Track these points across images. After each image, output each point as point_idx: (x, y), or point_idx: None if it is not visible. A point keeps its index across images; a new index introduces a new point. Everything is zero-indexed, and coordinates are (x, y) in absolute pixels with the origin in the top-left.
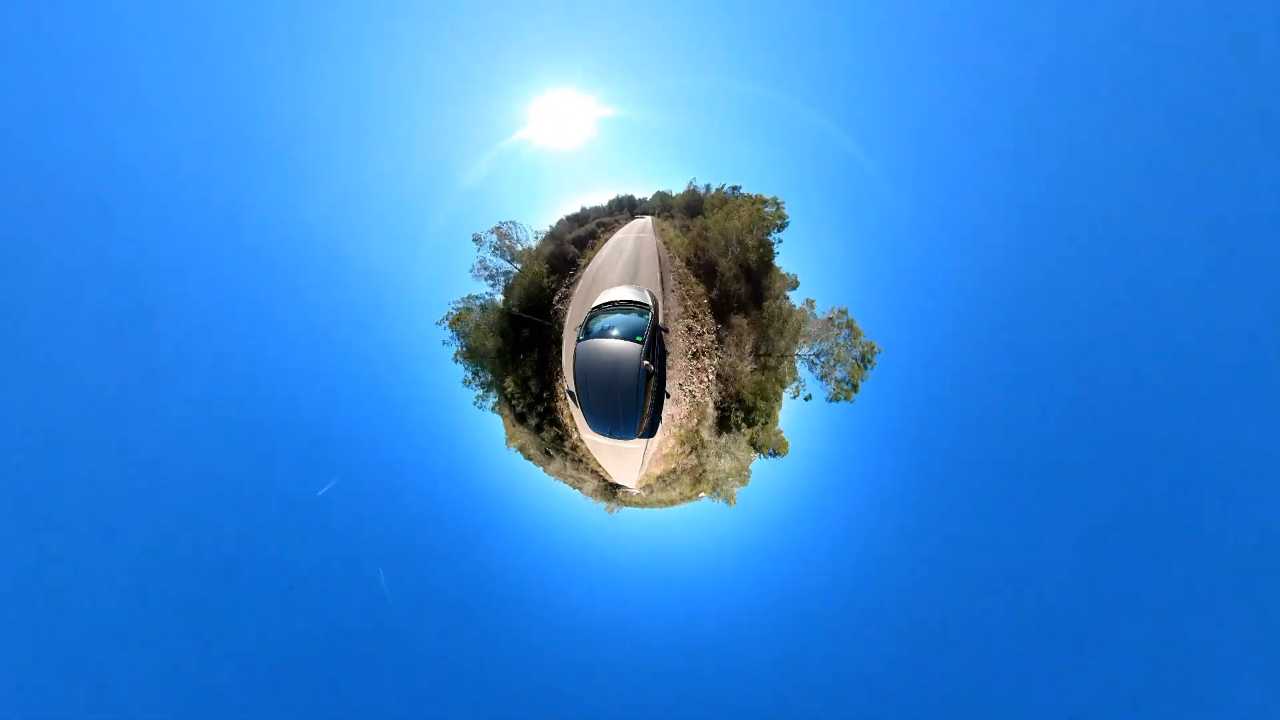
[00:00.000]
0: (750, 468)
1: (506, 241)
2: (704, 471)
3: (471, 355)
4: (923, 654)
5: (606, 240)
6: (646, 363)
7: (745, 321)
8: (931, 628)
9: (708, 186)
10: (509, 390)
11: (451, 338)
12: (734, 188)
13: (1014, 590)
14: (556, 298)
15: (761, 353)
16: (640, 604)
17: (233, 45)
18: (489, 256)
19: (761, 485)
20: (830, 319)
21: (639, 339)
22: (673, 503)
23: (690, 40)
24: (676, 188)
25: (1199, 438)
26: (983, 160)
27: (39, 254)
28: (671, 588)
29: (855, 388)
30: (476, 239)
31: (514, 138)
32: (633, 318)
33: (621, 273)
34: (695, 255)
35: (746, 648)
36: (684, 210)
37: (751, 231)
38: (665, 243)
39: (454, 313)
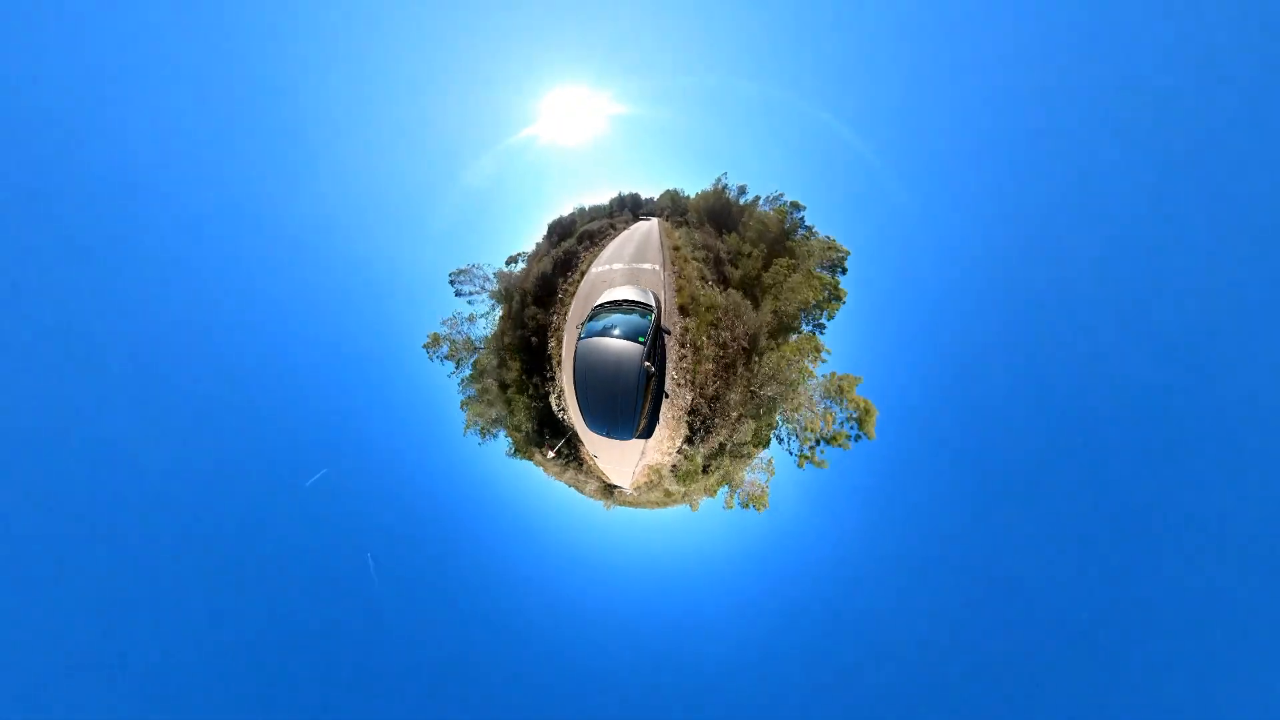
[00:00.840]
0: (717, 486)
1: (476, 290)
2: (668, 491)
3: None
4: (914, 657)
5: (585, 273)
6: (647, 364)
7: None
8: (921, 631)
9: (741, 190)
10: (550, 457)
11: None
12: (794, 204)
13: (1002, 594)
14: (553, 395)
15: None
16: (619, 597)
17: (246, 37)
18: (456, 342)
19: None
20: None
21: (641, 339)
22: (660, 504)
23: (704, 39)
24: (689, 188)
25: (1208, 440)
26: (987, 160)
27: (52, 247)
28: (659, 584)
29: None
30: (427, 347)
31: (523, 133)
32: (635, 318)
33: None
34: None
35: (723, 643)
36: (707, 216)
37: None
38: (682, 306)
39: (468, 402)
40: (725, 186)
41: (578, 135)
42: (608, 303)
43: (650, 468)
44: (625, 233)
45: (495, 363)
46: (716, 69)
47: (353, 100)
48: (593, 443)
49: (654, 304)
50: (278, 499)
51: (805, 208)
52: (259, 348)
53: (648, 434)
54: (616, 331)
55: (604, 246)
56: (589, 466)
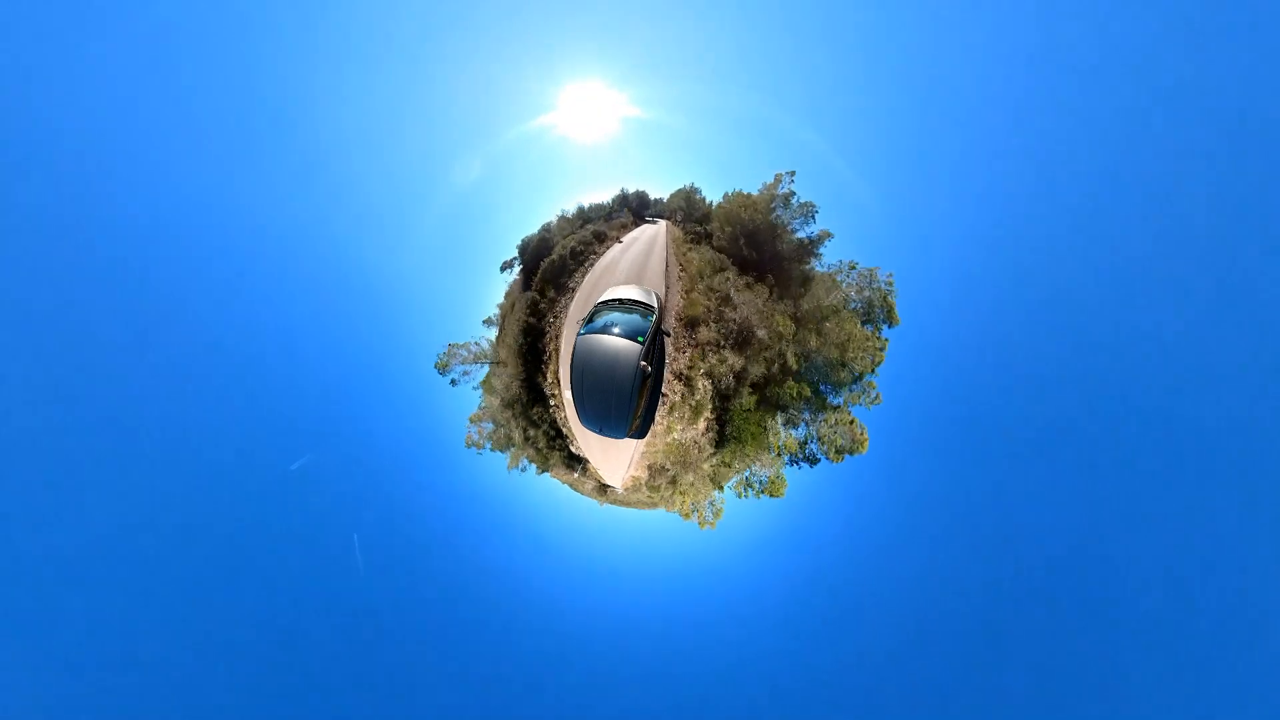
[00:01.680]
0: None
1: (466, 365)
2: (648, 494)
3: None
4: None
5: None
6: (644, 364)
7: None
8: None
9: (807, 211)
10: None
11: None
12: (886, 301)
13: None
14: (573, 445)
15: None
16: (613, 592)
17: (268, 14)
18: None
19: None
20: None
21: (640, 339)
22: (648, 504)
23: (725, 53)
24: (706, 192)
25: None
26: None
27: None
28: (651, 581)
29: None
30: (470, 446)
31: (539, 120)
32: (635, 318)
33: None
34: None
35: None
36: (743, 236)
37: None
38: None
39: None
40: (790, 195)
41: (590, 132)
42: (611, 300)
43: (634, 477)
44: (612, 253)
45: (522, 438)
46: (735, 83)
47: (364, 77)
48: (586, 441)
49: (656, 305)
50: (263, 483)
51: (899, 325)
52: (251, 332)
53: (641, 434)
54: (616, 330)
55: (581, 288)
56: (589, 469)
